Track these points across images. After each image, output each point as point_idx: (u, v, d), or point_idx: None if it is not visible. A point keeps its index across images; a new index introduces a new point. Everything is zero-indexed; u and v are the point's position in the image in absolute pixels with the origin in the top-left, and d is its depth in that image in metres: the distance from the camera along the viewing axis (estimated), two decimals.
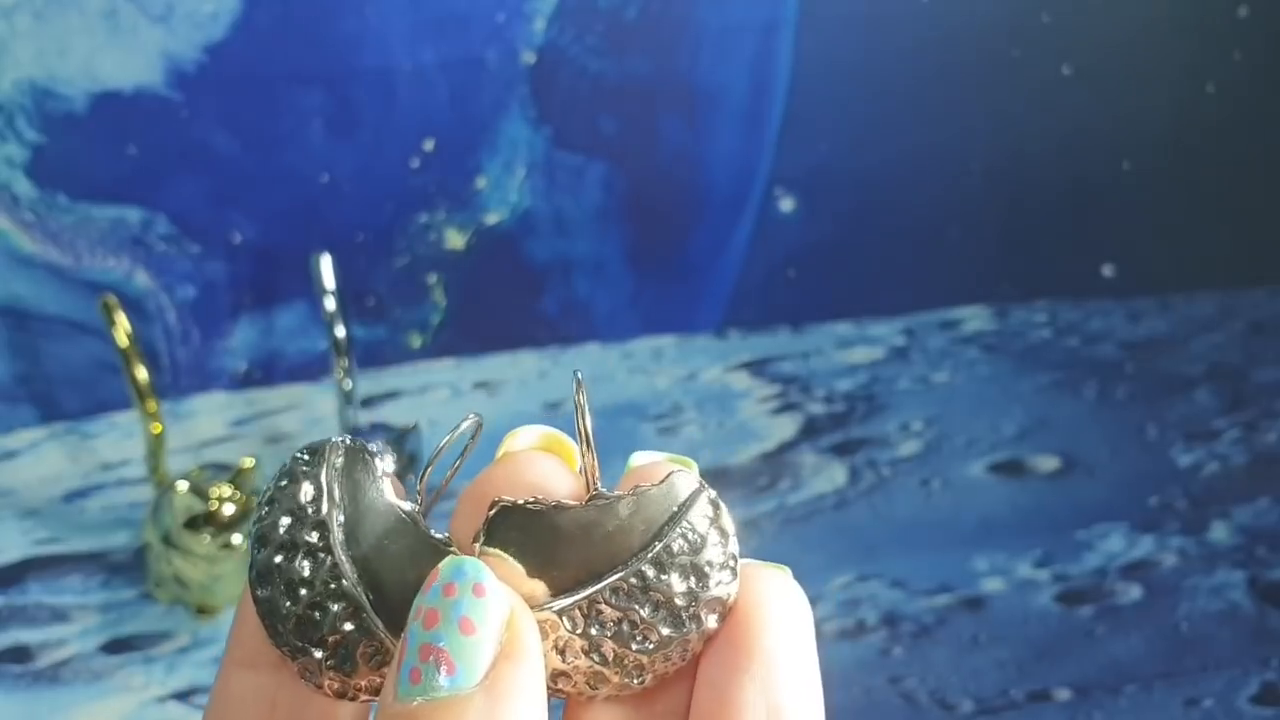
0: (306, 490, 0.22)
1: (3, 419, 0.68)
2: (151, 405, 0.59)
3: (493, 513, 0.21)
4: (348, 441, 0.23)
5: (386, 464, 0.23)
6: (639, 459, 0.23)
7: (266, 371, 0.73)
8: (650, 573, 0.21)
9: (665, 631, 0.21)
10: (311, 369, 0.72)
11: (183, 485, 0.57)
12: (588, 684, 0.22)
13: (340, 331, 0.63)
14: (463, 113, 0.73)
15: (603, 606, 0.21)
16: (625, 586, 0.21)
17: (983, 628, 0.58)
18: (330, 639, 0.22)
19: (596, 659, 0.21)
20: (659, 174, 0.77)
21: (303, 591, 0.22)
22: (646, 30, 0.74)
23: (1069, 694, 0.54)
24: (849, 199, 0.81)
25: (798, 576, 0.23)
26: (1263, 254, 0.88)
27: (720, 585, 0.22)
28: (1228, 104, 0.84)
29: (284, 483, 0.23)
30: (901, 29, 0.78)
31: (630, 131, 0.76)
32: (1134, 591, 0.60)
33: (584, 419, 0.22)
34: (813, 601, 0.22)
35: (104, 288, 0.65)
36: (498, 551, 0.21)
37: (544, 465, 0.22)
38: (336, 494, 0.22)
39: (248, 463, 0.59)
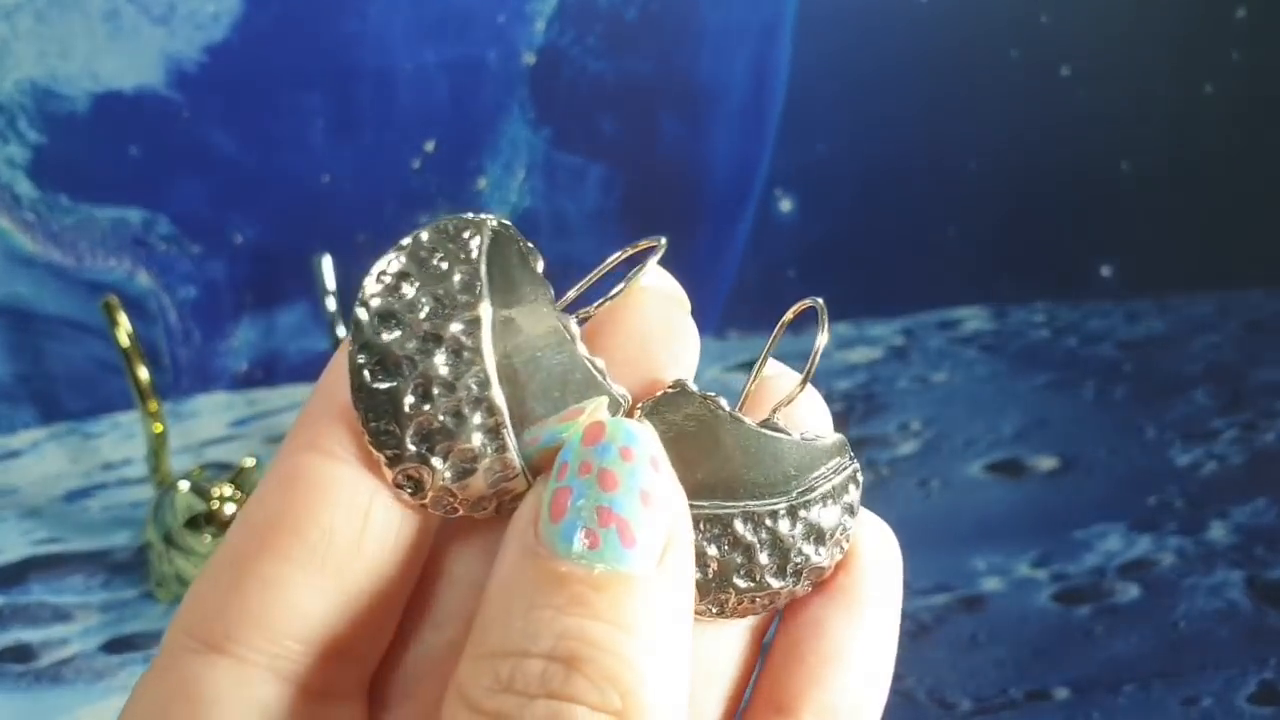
0: (459, 274, 0.20)
1: (4, 419, 0.68)
2: (153, 405, 0.59)
3: (671, 390, 0.21)
4: (500, 224, 0.20)
5: (540, 261, 0.20)
6: (773, 369, 0.23)
7: (268, 372, 0.73)
8: (783, 516, 0.21)
9: (768, 578, 0.21)
10: (312, 369, 0.73)
11: (184, 485, 0.58)
12: None
13: (341, 332, 0.63)
14: (463, 113, 0.73)
15: (729, 528, 0.21)
16: (755, 518, 0.21)
17: (981, 627, 0.58)
18: (458, 449, 0.19)
19: (698, 574, 0.21)
20: (659, 175, 0.77)
21: (438, 392, 0.19)
22: (646, 31, 0.74)
23: (1067, 693, 0.54)
24: (849, 199, 0.81)
25: None
26: (1261, 254, 0.88)
27: (827, 558, 0.21)
28: (1226, 105, 0.84)
29: (428, 257, 0.20)
30: (901, 29, 0.78)
31: (630, 132, 0.76)
32: (1132, 591, 0.60)
33: (778, 337, 0.23)
34: None
35: (105, 288, 0.65)
36: (650, 430, 0.20)
37: (686, 328, 0.22)
38: (490, 285, 0.20)
39: (249, 462, 0.59)
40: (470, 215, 0.20)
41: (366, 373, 0.19)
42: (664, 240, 0.22)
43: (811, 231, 0.81)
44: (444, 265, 0.20)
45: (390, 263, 0.20)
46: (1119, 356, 0.81)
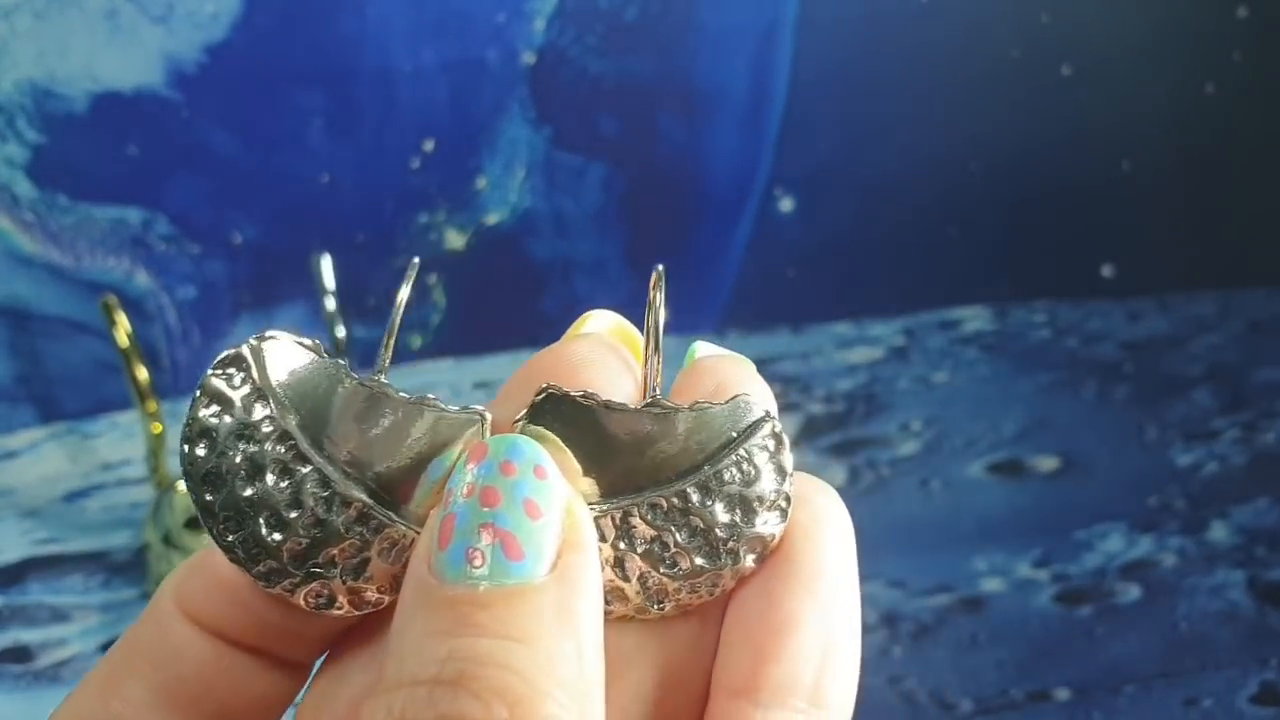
0: (252, 400, 0.20)
1: (3, 419, 0.68)
2: (152, 405, 0.59)
3: (539, 398, 0.20)
4: (265, 336, 0.20)
5: (316, 344, 0.20)
6: (702, 350, 0.22)
7: None
8: (694, 496, 0.20)
9: (698, 561, 0.20)
10: None
11: (183, 485, 0.57)
12: (605, 599, 0.20)
13: (340, 331, 0.63)
14: (463, 113, 0.73)
15: (637, 521, 0.20)
16: (665, 505, 0.20)
17: (982, 628, 0.58)
18: (340, 552, 0.19)
19: (620, 574, 0.20)
20: (659, 174, 0.77)
21: (293, 515, 0.19)
22: (646, 31, 0.74)
23: (1068, 694, 0.54)
24: (849, 199, 0.81)
25: None
26: (1262, 254, 0.88)
27: (766, 524, 0.20)
28: (1227, 104, 0.84)
29: (215, 408, 0.20)
30: (901, 30, 0.78)
31: (630, 132, 0.76)
32: (1133, 591, 0.60)
33: (657, 316, 0.21)
34: None
35: (104, 288, 0.65)
36: (543, 431, 0.19)
37: (608, 357, 0.21)
38: (282, 395, 0.20)
39: None
40: (231, 350, 0.20)
41: (225, 534, 0.19)
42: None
43: (811, 231, 0.81)
44: (235, 401, 0.20)
45: (191, 428, 0.20)
46: (1120, 356, 0.81)
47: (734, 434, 0.20)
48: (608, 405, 0.20)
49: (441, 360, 0.76)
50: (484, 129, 0.74)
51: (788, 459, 0.20)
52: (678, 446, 0.20)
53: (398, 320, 0.21)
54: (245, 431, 0.19)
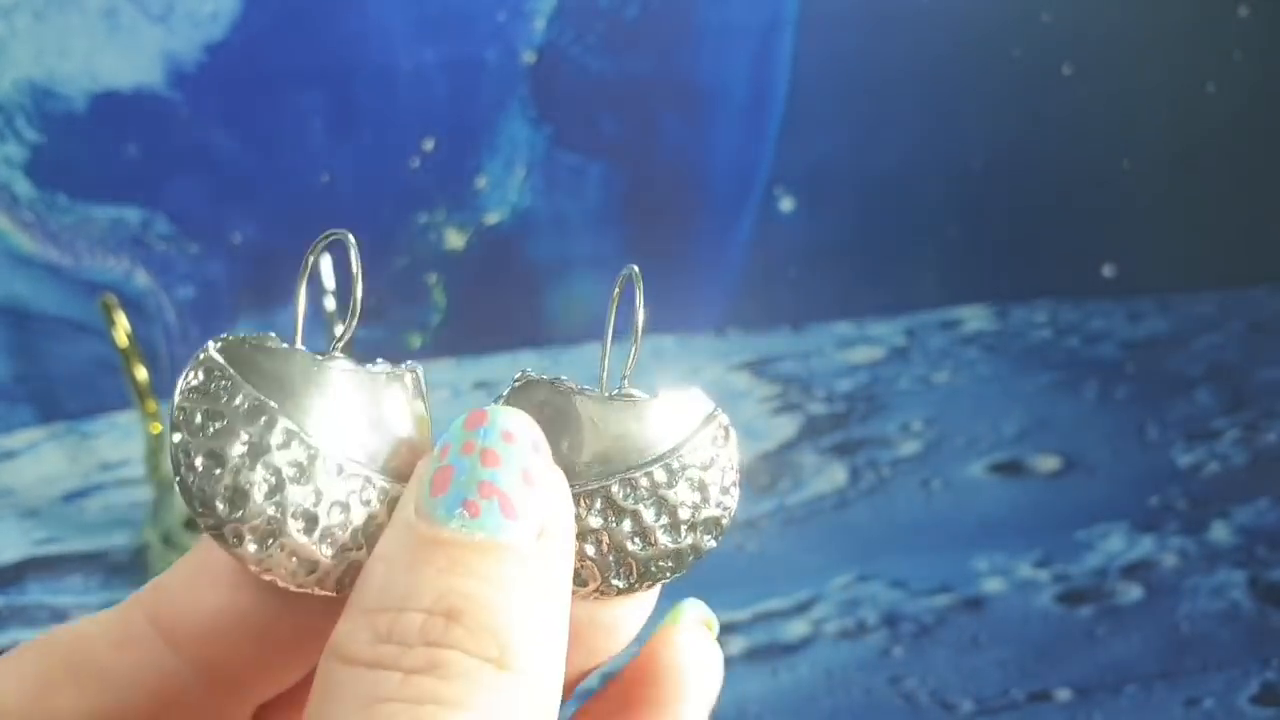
0: (238, 397, 0.20)
1: (2, 419, 0.68)
2: (151, 405, 0.59)
3: (517, 383, 0.21)
4: (219, 341, 0.21)
5: (274, 338, 0.21)
6: (686, 616, 0.23)
7: None
8: (661, 476, 0.21)
9: (663, 539, 0.21)
10: None
11: None
12: (577, 575, 0.21)
13: (339, 331, 0.63)
14: (463, 112, 0.73)
15: (609, 498, 0.21)
16: (634, 484, 0.21)
17: (983, 628, 0.58)
18: (363, 525, 0.21)
19: (590, 549, 0.21)
20: (659, 174, 0.77)
21: (319, 510, 0.20)
22: (647, 30, 0.74)
23: (1069, 694, 0.54)
24: (849, 199, 0.81)
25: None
26: (1263, 253, 0.88)
27: (719, 507, 0.22)
28: (1228, 104, 0.84)
29: (198, 408, 0.20)
30: (901, 29, 0.78)
31: (630, 131, 0.76)
32: (1134, 591, 0.60)
33: (637, 312, 0.22)
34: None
35: (104, 287, 0.65)
36: (529, 417, 0.21)
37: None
38: (261, 394, 0.20)
39: None
40: (193, 356, 0.21)
41: (258, 545, 0.20)
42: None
43: (811, 231, 0.81)
44: (220, 401, 0.20)
45: (183, 451, 0.20)
46: (1121, 356, 0.81)
47: (696, 422, 0.22)
48: (581, 391, 0.21)
49: (441, 360, 0.76)
50: (484, 128, 0.73)
51: (734, 449, 0.22)
52: (644, 429, 0.21)
53: (353, 299, 0.22)
54: (251, 439, 0.20)
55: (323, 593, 0.21)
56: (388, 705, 0.17)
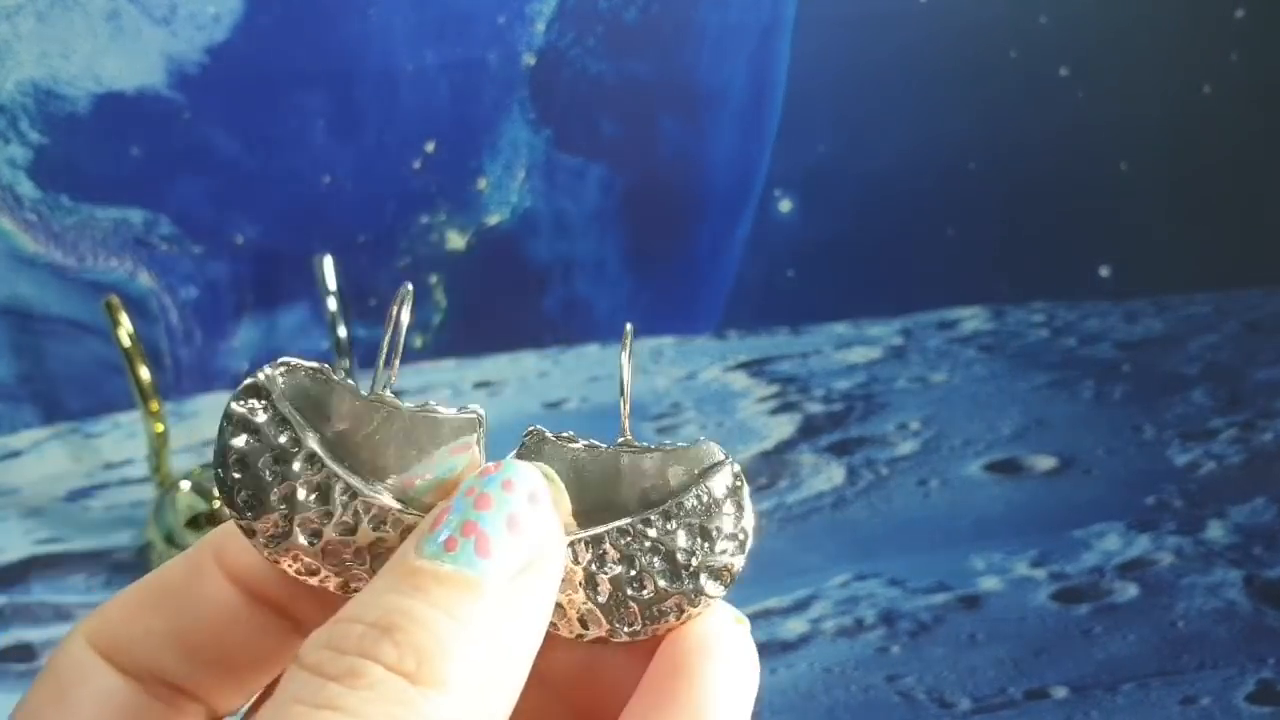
0: (272, 430, 0.22)
1: (6, 419, 0.68)
2: (154, 405, 0.59)
3: (527, 439, 0.22)
4: (279, 364, 0.22)
5: (325, 368, 0.23)
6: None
7: None
8: (658, 521, 0.22)
9: (661, 583, 0.22)
10: None
11: (185, 485, 0.58)
12: (579, 621, 0.22)
13: (342, 332, 0.64)
14: (464, 114, 0.73)
15: (608, 546, 0.22)
16: (633, 530, 0.22)
17: (980, 626, 0.58)
18: (370, 547, 0.22)
19: (592, 594, 0.22)
20: (658, 175, 0.78)
21: (327, 524, 0.22)
22: (646, 32, 0.74)
23: (1066, 692, 0.55)
24: (847, 199, 0.81)
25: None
26: (1259, 254, 0.88)
27: (724, 554, 0.22)
28: (1225, 105, 0.85)
29: (243, 435, 0.22)
30: (900, 30, 0.78)
31: (630, 133, 0.76)
32: (1130, 590, 0.61)
33: (625, 370, 0.23)
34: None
35: (107, 288, 0.65)
36: (551, 471, 0.22)
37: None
38: (300, 418, 0.22)
39: None
40: (249, 379, 0.22)
41: (271, 552, 0.22)
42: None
43: (811, 231, 0.81)
44: (260, 427, 0.22)
45: (226, 455, 0.22)
46: (1117, 356, 0.82)
47: (697, 471, 0.22)
48: (589, 445, 0.22)
49: (443, 361, 0.76)
50: (485, 130, 0.74)
51: (746, 498, 0.22)
52: (647, 481, 0.22)
53: (399, 341, 0.23)
54: (276, 454, 0.22)
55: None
56: (296, 707, 0.18)
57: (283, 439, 0.22)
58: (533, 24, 0.72)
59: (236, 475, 0.22)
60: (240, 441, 0.22)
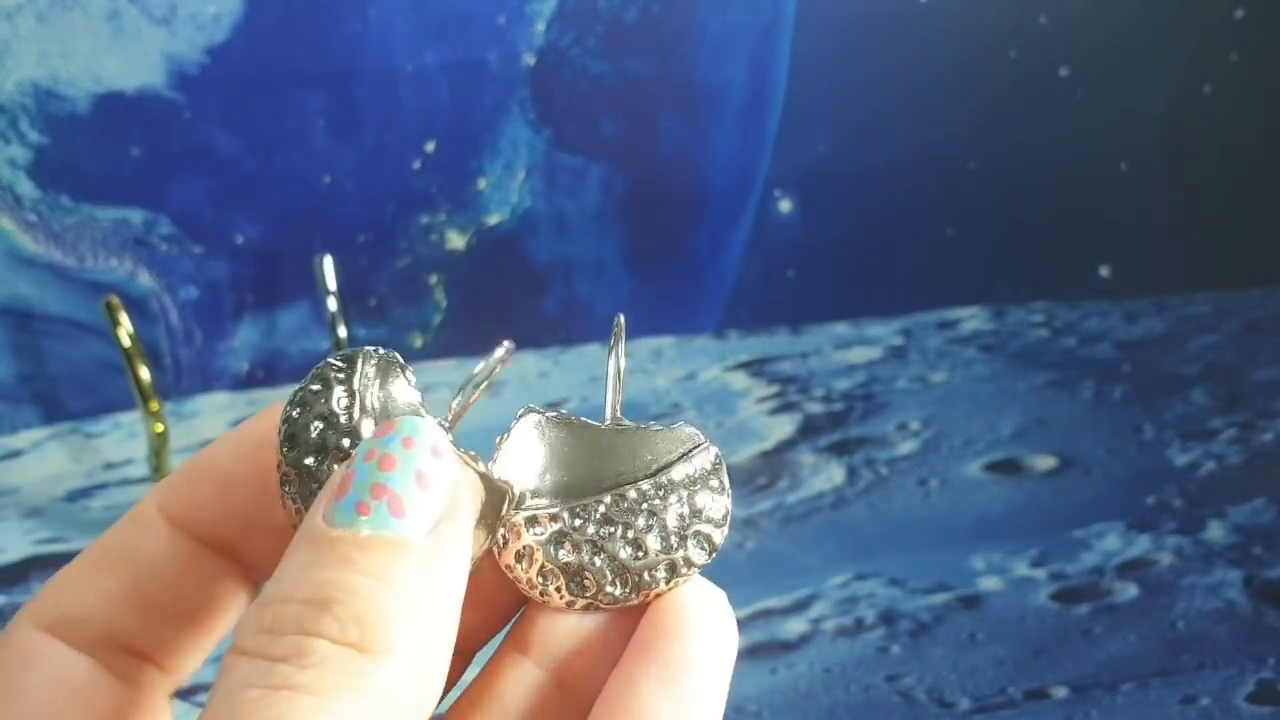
0: (339, 397, 0.23)
1: (6, 419, 0.68)
2: (154, 405, 0.59)
3: (521, 415, 0.23)
4: (380, 352, 0.23)
5: (414, 377, 0.23)
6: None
7: (269, 372, 0.73)
8: (649, 489, 0.23)
9: (654, 546, 0.23)
10: None
11: None
12: (569, 587, 0.23)
13: (342, 332, 0.64)
14: (464, 114, 0.73)
15: (602, 510, 0.23)
16: (625, 496, 0.23)
17: (980, 626, 0.58)
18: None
19: (586, 558, 0.23)
20: (659, 175, 0.78)
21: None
22: (646, 32, 0.74)
23: (1066, 692, 0.55)
24: (847, 200, 0.81)
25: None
26: (1259, 254, 0.89)
27: (709, 524, 0.23)
28: (1225, 105, 0.85)
29: (316, 387, 0.23)
30: (899, 31, 0.79)
31: (630, 133, 0.76)
32: (1130, 590, 0.61)
33: (619, 356, 0.24)
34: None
35: (107, 288, 0.65)
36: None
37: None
38: (368, 402, 0.23)
39: None
40: (358, 348, 0.23)
41: (282, 484, 0.23)
42: (511, 344, 0.25)
43: (811, 231, 0.81)
44: (330, 391, 0.23)
45: (296, 395, 0.23)
46: (1117, 356, 0.82)
47: (683, 450, 0.24)
48: (582, 422, 0.24)
49: (443, 360, 0.76)
50: (485, 130, 0.74)
51: (725, 477, 0.24)
52: (637, 456, 0.23)
53: (480, 388, 0.24)
54: (328, 416, 0.23)
55: None
56: (249, 691, 0.18)
57: (339, 405, 0.23)
58: (533, 24, 0.73)
59: (294, 413, 0.23)
60: (310, 391, 0.23)
